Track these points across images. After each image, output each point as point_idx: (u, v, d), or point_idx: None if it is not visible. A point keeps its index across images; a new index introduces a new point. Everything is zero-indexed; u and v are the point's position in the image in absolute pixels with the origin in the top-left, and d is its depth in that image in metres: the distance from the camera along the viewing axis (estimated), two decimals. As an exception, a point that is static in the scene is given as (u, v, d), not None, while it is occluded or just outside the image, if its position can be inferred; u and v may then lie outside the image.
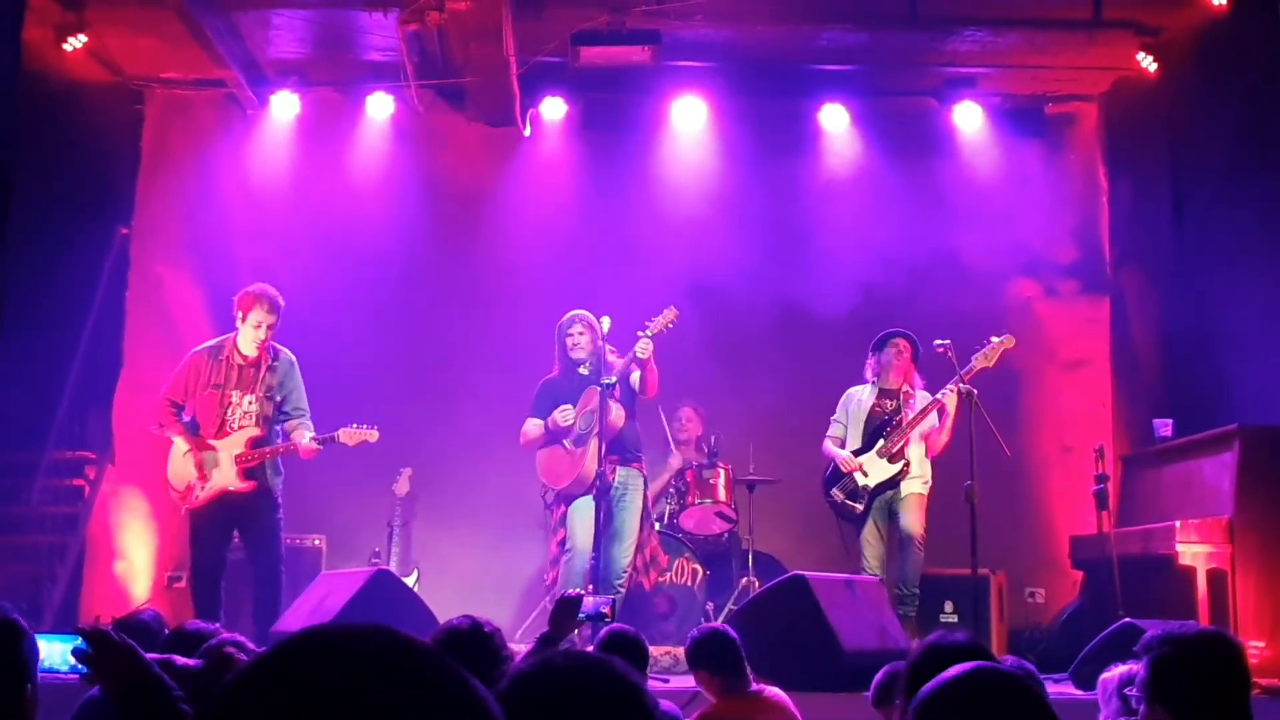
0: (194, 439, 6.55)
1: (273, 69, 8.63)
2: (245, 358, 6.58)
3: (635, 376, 6.81)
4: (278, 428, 6.63)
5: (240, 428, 6.52)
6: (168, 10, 7.41)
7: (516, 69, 7.83)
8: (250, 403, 6.54)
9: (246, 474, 6.48)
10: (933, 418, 6.98)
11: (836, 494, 7.11)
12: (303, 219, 8.78)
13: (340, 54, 8.60)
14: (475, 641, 3.11)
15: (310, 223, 8.78)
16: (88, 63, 8.31)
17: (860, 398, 7.24)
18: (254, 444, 6.51)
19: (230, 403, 6.54)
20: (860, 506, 7.01)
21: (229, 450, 6.49)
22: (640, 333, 6.73)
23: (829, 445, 7.22)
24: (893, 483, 7.03)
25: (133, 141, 8.96)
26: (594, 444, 6.70)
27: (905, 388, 7.09)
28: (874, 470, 7.04)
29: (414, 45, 7.85)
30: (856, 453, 7.10)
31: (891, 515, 7.05)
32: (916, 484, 7.03)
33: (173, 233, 8.86)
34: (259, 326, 6.50)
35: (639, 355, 6.70)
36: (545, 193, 8.95)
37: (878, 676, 3.54)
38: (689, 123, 8.86)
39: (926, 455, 7.05)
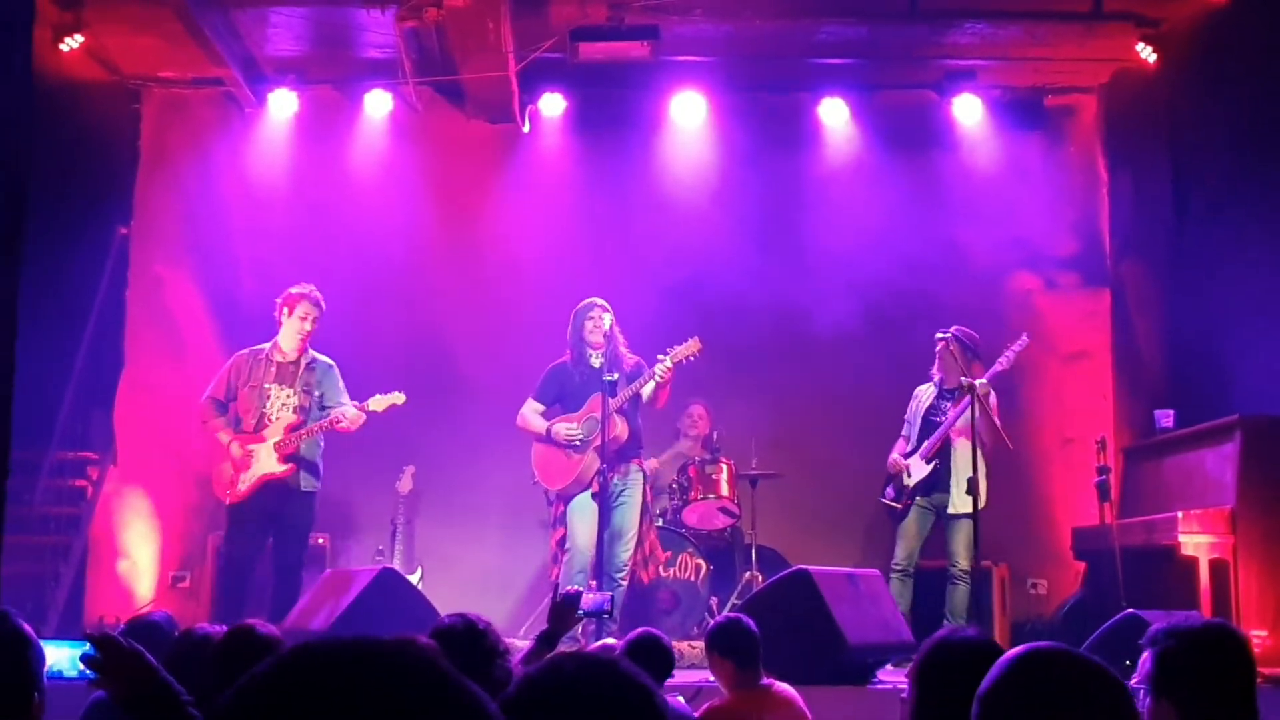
0: (236, 434, 6.83)
1: (271, 67, 8.61)
2: (286, 354, 6.90)
3: (648, 389, 6.80)
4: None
5: (278, 419, 6.81)
6: (165, 9, 7.40)
7: (515, 65, 7.82)
8: (289, 396, 6.86)
9: (286, 458, 6.75)
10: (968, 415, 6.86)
11: (888, 493, 7.28)
12: (302, 217, 8.77)
13: (338, 51, 8.58)
14: (469, 639, 3.12)
15: (309, 221, 8.77)
16: (85, 62, 8.29)
17: (922, 398, 7.34)
18: (292, 429, 6.78)
19: (269, 397, 6.84)
20: (900, 505, 7.18)
21: (269, 439, 6.78)
22: (660, 356, 6.74)
23: (895, 446, 7.37)
24: (937, 484, 7.06)
25: (131, 141, 8.94)
26: (593, 450, 6.71)
27: (962, 385, 6.72)
28: (916, 470, 7.17)
29: (412, 42, 7.84)
30: (911, 453, 7.22)
31: (938, 520, 7.11)
32: (968, 501, 6.55)
33: (172, 232, 8.85)
34: (305, 319, 6.84)
35: (657, 379, 6.72)
36: (545, 189, 8.93)
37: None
38: (688, 117, 8.84)
39: (982, 452, 6.60)
